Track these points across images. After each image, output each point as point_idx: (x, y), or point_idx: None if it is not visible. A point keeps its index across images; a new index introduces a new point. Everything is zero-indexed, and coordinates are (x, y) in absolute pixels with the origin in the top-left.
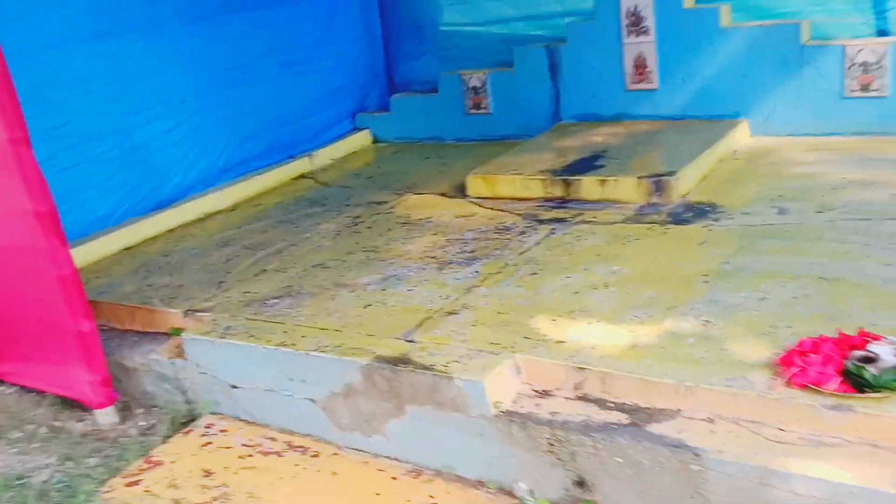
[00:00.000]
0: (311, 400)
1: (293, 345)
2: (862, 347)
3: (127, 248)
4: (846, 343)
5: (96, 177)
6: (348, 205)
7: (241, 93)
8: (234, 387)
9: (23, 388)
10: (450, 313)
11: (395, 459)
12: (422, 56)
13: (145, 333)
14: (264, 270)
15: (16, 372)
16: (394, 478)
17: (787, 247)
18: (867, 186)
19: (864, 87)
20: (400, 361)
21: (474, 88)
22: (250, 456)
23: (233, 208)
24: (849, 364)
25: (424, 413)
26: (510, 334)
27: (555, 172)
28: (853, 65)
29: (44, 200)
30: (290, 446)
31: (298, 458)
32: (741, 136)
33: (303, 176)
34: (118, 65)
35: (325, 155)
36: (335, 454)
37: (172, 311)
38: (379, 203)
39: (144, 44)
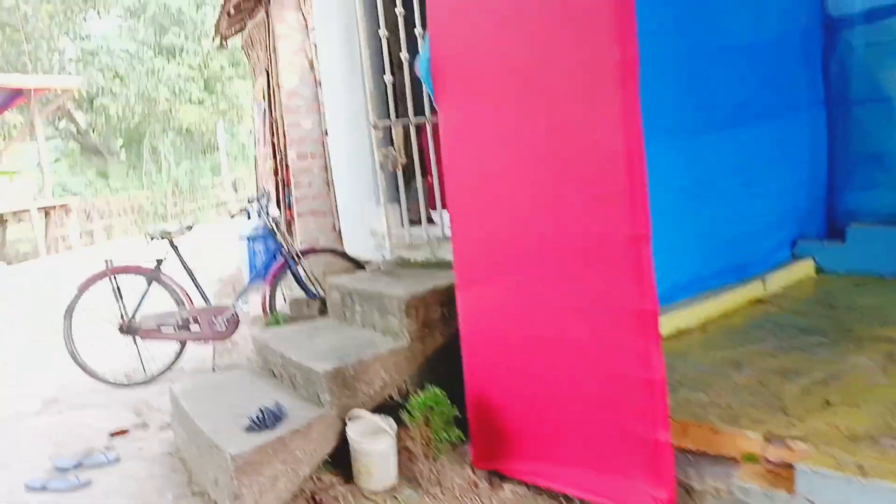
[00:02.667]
0: None
1: None
2: None
3: None
4: None
5: None
6: (858, 337)
7: (706, 209)
8: None
9: (537, 489)
10: None
11: None
12: (878, 186)
13: (700, 454)
14: (828, 402)
15: (542, 472)
16: None
17: None
18: None
19: None
20: None
21: None
22: None
23: (703, 327)
24: None
25: None
26: None
27: None
28: None
29: (650, 299)
30: None
31: None
32: None
33: (759, 301)
34: None
35: (773, 281)
36: None
37: (751, 434)
38: None
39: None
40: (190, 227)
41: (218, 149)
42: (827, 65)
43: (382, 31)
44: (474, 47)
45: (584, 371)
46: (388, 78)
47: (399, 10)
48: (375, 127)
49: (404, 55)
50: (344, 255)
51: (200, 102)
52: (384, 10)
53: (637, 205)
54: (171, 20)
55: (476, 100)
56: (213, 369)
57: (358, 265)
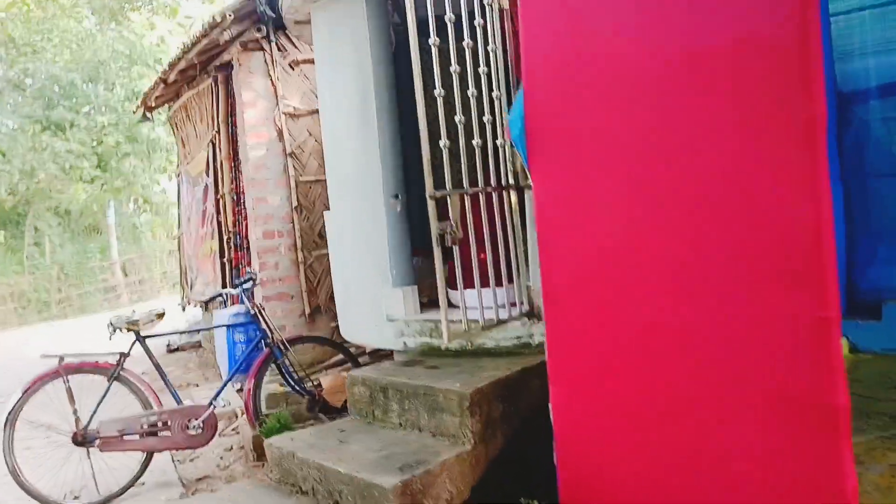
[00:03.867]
0: None
1: None
2: None
3: None
4: None
5: None
6: None
7: None
8: None
9: None
10: None
11: None
12: None
13: None
14: None
15: None
16: None
17: None
18: None
19: None
20: None
21: None
22: None
23: None
24: None
25: None
26: None
27: None
28: None
29: (842, 392)
30: None
31: None
32: None
33: None
34: None
35: None
36: None
37: None
38: None
39: None
40: (161, 315)
41: (107, 230)
42: (841, 140)
43: (439, 91)
44: (589, 100)
45: (749, 484)
46: (443, 143)
47: (454, 67)
48: (432, 198)
49: (459, 118)
50: (335, 344)
51: (92, 180)
52: (440, 71)
53: (828, 282)
54: (61, 93)
55: (590, 162)
56: (182, 484)
57: (349, 355)
